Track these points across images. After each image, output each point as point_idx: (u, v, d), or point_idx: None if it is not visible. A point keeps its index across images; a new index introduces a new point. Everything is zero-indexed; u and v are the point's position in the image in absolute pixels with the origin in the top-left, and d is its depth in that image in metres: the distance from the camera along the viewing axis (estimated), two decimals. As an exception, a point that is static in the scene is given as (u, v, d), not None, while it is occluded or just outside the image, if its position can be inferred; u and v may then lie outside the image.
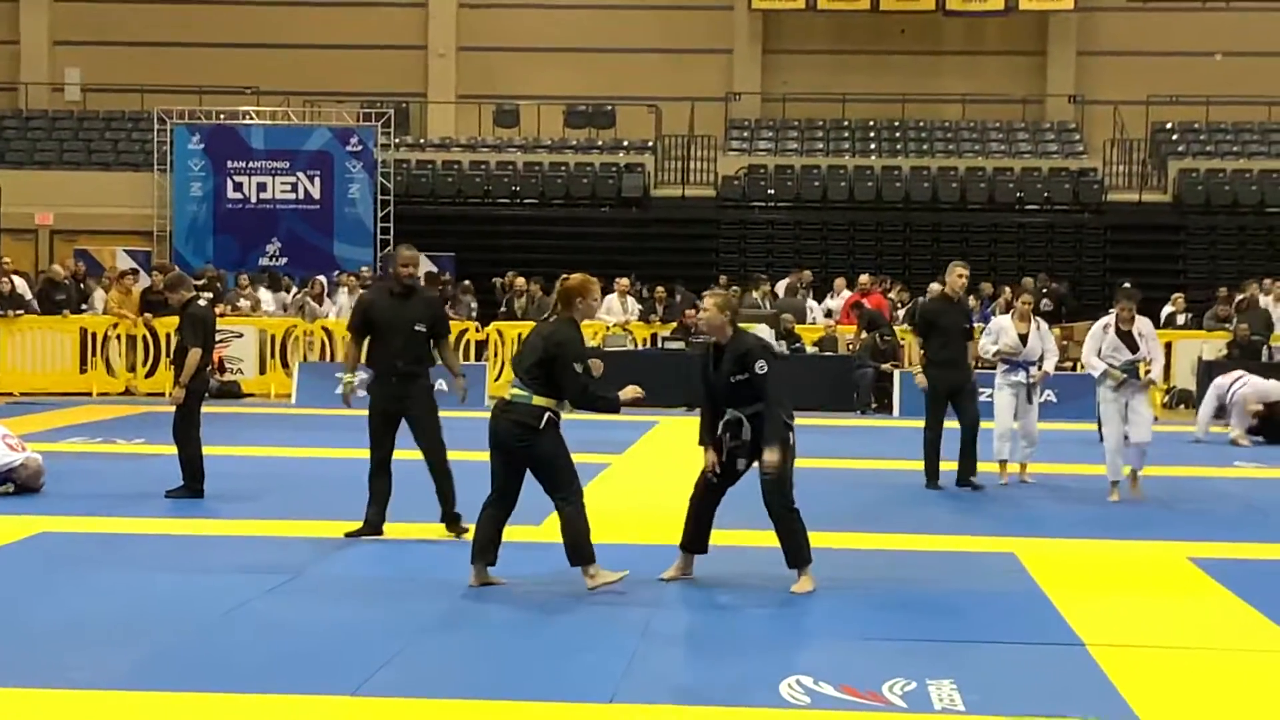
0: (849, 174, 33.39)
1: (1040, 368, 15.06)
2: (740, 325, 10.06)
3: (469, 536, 10.10)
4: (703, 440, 9.92)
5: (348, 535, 11.44)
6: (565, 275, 9.92)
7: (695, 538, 10.11)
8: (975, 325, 15.89)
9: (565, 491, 9.56)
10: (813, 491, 14.32)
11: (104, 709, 7.03)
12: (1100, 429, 14.58)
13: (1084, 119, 35.69)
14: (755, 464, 9.72)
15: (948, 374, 14.58)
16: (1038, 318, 15.56)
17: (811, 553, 9.81)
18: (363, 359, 11.98)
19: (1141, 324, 14.14)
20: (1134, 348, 13.96)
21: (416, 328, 11.54)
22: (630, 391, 9.64)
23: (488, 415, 9.67)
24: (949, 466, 14.57)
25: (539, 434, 9.46)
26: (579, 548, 9.57)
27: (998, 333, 15.17)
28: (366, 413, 11.61)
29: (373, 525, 11.52)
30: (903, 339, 24.10)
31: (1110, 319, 14.17)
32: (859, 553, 11.31)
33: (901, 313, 25.59)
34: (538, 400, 9.48)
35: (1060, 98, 36.16)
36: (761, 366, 9.55)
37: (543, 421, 9.45)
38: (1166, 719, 7.11)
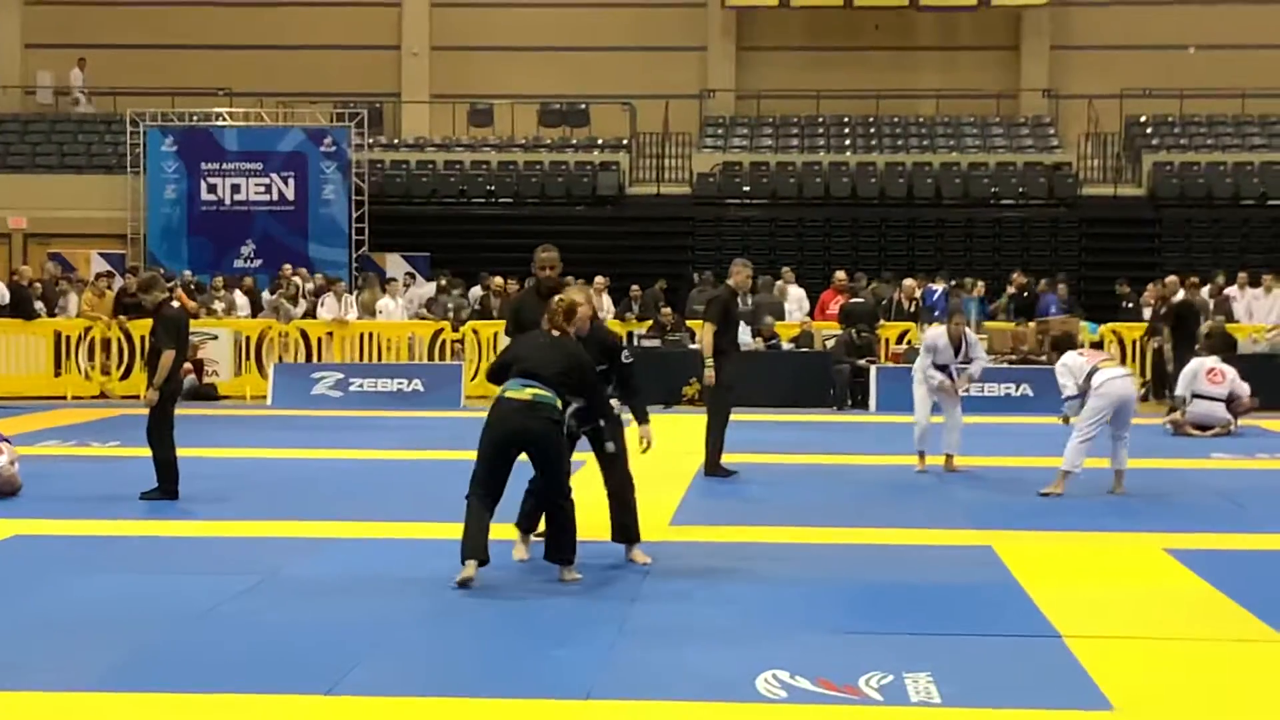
0: (824, 170, 33.38)
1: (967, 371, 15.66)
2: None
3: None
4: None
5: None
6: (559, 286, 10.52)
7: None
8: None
9: (567, 490, 9.92)
10: (791, 486, 14.40)
11: (73, 711, 6.98)
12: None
13: (1058, 113, 35.69)
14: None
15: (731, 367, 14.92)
16: (967, 329, 15.97)
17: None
18: None
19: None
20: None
21: None
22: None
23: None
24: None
25: (564, 435, 9.90)
26: (571, 546, 9.90)
27: (934, 346, 15.62)
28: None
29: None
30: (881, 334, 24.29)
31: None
32: (835, 547, 11.30)
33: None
34: (561, 404, 9.84)
35: (1034, 92, 36.20)
36: (627, 356, 10.46)
37: (566, 425, 9.89)
38: (1143, 709, 7.11)
